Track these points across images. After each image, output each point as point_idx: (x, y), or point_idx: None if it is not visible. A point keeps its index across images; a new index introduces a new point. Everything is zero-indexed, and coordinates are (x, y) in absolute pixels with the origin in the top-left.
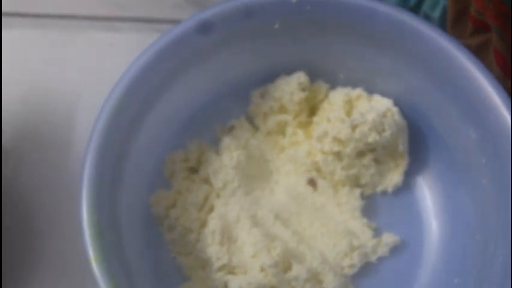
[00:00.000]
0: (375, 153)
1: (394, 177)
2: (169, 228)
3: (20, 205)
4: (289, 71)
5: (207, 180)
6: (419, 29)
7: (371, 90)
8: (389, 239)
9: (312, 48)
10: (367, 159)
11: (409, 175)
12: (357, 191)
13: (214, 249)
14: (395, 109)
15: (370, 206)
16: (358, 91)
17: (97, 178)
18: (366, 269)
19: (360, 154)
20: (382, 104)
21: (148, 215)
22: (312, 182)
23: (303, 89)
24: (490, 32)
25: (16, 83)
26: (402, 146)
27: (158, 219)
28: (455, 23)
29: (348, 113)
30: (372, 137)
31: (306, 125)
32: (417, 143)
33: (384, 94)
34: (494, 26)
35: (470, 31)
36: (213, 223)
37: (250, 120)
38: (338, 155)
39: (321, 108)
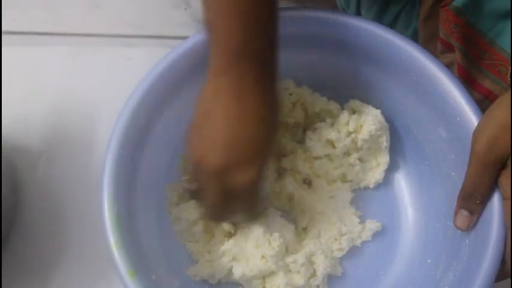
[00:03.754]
0: (361, 152)
1: (376, 175)
2: (176, 220)
3: (49, 200)
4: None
5: None
6: (396, 42)
7: (354, 97)
8: (371, 225)
9: (300, 60)
10: (353, 158)
11: (388, 169)
12: (347, 185)
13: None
14: (378, 111)
15: (355, 198)
16: (351, 102)
17: (117, 175)
18: (351, 252)
19: (347, 154)
20: (368, 109)
21: (161, 206)
22: (307, 182)
23: (291, 94)
24: (454, 52)
25: (45, 93)
26: (385, 144)
27: (170, 207)
28: (426, 43)
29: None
30: (361, 138)
31: (296, 132)
32: (395, 141)
33: (365, 100)
34: (459, 46)
35: (440, 51)
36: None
37: None
38: (329, 157)
39: (313, 115)
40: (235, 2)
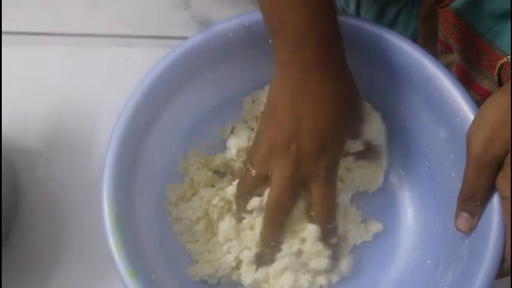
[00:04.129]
0: (358, 154)
1: (375, 179)
2: (176, 220)
3: (48, 200)
4: None
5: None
6: (396, 42)
7: None
8: (373, 226)
9: None
10: (349, 160)
11: (388, 170)
12: (345, 185)
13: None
14: (378, 114)
15: (355, 198)
16: None
17: (116, 175)
18: (351, 252)
19: (344, 155)
20: (365, 109)
21: (161, 207)
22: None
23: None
24: (453, 53)
25: (45, 93)
26: (382, 144)
27: (169, 207)
28: (426, 43)
29: None
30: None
31: None
32: (394, 142)
33: (365, 100)
34: (457, 47)
35: (439, 51)
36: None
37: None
38: None
39: None
40: None
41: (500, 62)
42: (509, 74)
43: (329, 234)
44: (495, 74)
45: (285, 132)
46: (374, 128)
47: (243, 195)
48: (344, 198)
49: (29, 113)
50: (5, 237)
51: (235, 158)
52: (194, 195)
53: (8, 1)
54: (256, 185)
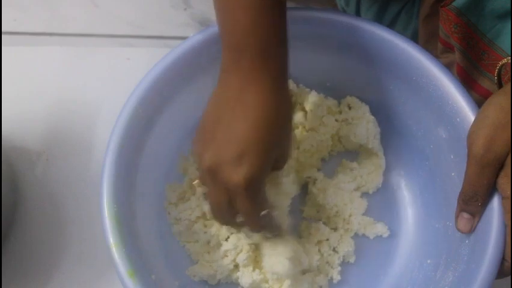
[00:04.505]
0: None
1: (375, 180)
2: (175, 220)
3: (48, 200)
4: None
5: None
6: (396, 42)
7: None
8: (379, 227)
9: (300, 60)
10: (347, 162)
11: (388, 170)
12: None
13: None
14: (370, 116)
15: None
16: (347, 98)
17: (116, 175)
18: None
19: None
20: (359, 109)
21: (161, 207)
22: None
23: (291, 95)
24: (454, 52)
25: (45, 93)
26: (377, 147)
27: (169, 207)
28: (426, 43)
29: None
30: (352, 138)
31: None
32: (394, 141)
33: (365, 100)
34: (459, 46)
35: (440, 51)
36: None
37: None
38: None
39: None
40: None
41: (500, 62)
42: (508, 76)
43: (264, 231)
44: (495, 74)
45: (205, 142)
46: (370, 131)
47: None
48: (348, 186)
49: (29, 113)
50: (5, 237)
51: None
52: (194, 195)
53: (8, 1)
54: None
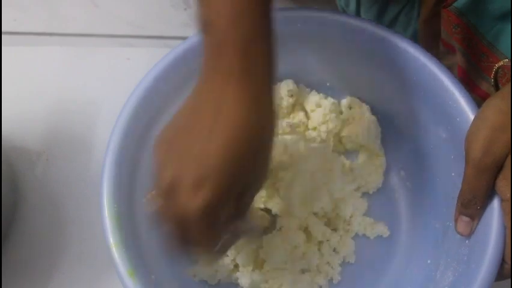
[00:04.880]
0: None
1: (376, 180)
2: None
3: (48, 200)
4: (279, 79)
5: None
6: (396, 42)
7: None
8: (380, 227)
9: (300, 60)
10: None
11: (388, 170)
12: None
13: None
14: (371, 116)
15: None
16: (347, 98)
17: (117, 175)
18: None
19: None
20: (359, 109)
21: None
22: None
23: (292, 95)
24: (455, 54)
25: (45, 93)
26: (378, 147)
27: None
28: (426, 44)
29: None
30: (353, 138)
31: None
32: (394, 141)
33: (365, 100)
34: (459, 48)
35: (442, 52)
36: None
37: None
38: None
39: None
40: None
41: (497, 65)
42: (507, 78)
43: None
44: (491, 76)
45: (169, 151)
46: (371, 132)
47: None
48: (348, 186)
49: (29, 113)
50: (5, 237)
51: None
52: None
53: (8, 1)
54: None
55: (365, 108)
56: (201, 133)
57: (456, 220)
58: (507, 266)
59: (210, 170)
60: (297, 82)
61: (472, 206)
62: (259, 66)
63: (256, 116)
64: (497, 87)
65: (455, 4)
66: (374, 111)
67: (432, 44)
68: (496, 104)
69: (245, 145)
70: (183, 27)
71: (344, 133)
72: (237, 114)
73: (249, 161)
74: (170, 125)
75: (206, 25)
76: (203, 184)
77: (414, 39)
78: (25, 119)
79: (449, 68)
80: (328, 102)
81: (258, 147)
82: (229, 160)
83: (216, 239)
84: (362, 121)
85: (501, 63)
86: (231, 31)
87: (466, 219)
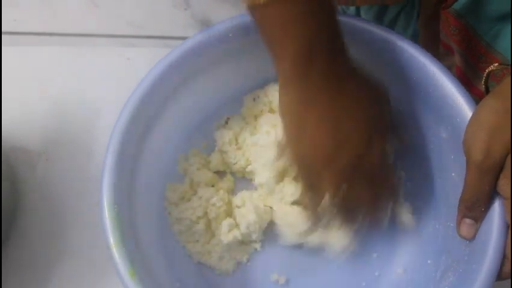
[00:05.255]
0: None
1: None
2: (176, 220)
3: (48, 200)
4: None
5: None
6: (396, 42)
7: None
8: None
9: None
10: None
11: None
12: None
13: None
14: None
15: None
16: None
17: (116, 175)
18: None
19: None
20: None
21: (161, 206)
22: None
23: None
24: (454, 55)
25: (45, 93)
26: None
27: (170, 207)
28: (426, 45)
29: None
30: None
31: None
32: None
33: None
34: (458, 49)
35: (442, 53)
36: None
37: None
38: None
39: None
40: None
41: (487, 70)
42: (501, 80)
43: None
44: (482, 82)
45: (329, 150)
46: None
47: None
48: None
49: (28, 113)
50: (5, 237)
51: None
52: (194, 195)
53: (8, 1)
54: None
55: None
56: (346, 121)
57: (459, 223)
58: (508, 263)
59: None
60: None
61: (476, 208)
62: (346, 61)
63: (355, 87)
64: (487, 91)
65: (454, 6)
66: None
67: (432, 44)
68: (490, 104)
69: (371, 103)
70: (183, 27)
71: None
72: (354, 88)
73: (379, 117)
74: (314, 147)
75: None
76: (372, 142)
77: (414, 39)
78: (25, 119)
79: (448, 69)
80: None
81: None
82: (371, 123)
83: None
84: None
85: (491, 67)
86: (317, 43)
87: (469, 221)
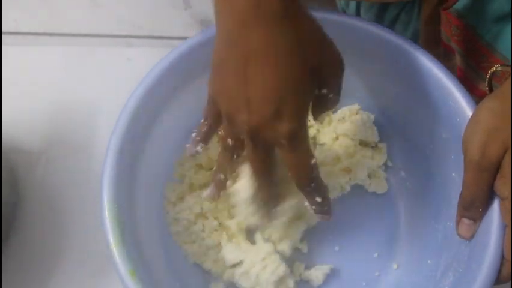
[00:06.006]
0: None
1: (375, 180)
2: (174, 221)
3: (48, 200)
4: None
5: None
6: (396, 43)
7: (353, 98)
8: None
9: None
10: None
11: (388, 170)
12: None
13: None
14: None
15: (355, 198)
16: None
17: (117, 175)
18: (351, 252)
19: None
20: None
21: (161, 206)
22: None
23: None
24: (454, 55)
25: (45, 93)
26: (375, 141)
27: (168, 206)
28: (428, 47)
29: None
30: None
31: None
32: (394, 141)
33: (365, 100)
34: (458, 49)
35: (442, 53)
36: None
37: None
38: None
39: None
40: None
41: (490, 70)
42: (504, 81)
43: (312, 195)
44: (486, 83)
45: (233, 100)
46: (367, 129)
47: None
48: (347, 186)
49: (29, 113)
50: (5, 237)
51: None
52: (190, 195)
53: (8, 1)
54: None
55: (356, 105)
56: (259, 73)
57: (457, 223)
58: (507, 264)
59: (282, 101)
60: None
61: (474, 208)
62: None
63: (302, 37)
64: (491, 92)
65: (455, 6)
66: (373, 111)
67: (432, 44)
68: (488, 106)
69: (303, 67)
70: (183, 27)
71: (339, 131)
72: (285, 44)
73: (307, 78)
74: (222, 71)
75: None
76: (283, 113)
77: (415, 39)
78: (25, 119)
79: (449, 69)
80: None
81: (310, 61)
82: (295, 86)
83: (308, 157)
84: (357, 119)
85: (493, 69)
86: None
87: (467, 221)
